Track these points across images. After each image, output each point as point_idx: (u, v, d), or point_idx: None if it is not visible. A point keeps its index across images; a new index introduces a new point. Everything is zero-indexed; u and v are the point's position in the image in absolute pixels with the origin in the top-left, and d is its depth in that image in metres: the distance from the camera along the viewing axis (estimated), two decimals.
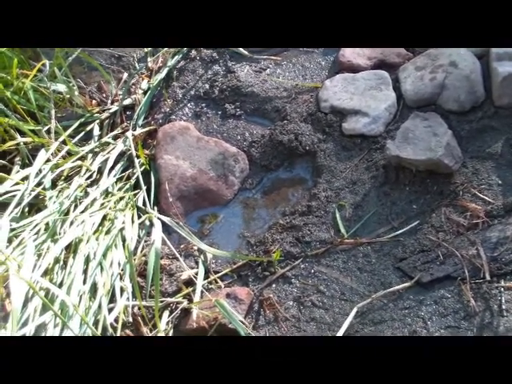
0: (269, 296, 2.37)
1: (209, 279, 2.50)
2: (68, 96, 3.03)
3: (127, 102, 3.16)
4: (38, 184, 2.61)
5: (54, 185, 2.69)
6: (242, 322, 2.25)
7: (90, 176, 2.78)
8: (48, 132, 2.85)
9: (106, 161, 2.83)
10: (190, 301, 2.40)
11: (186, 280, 2.46)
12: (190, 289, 2.43)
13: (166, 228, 2.55)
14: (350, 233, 2.49)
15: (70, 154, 2.85)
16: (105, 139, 2.96)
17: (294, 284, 2.42)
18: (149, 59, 3.33)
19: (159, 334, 2.25)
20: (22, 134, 2.80)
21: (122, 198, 2.69)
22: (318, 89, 3.00)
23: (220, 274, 2.52)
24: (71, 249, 2.39)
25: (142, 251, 2.53)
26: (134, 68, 3.32)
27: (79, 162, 2.80)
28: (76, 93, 3.04)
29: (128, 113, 3.17)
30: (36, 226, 2.42)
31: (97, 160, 2.84)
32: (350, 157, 2.74)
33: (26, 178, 2.60)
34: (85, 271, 2.32)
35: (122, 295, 2.32)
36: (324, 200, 2.61)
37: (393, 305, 2.25)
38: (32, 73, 2.86)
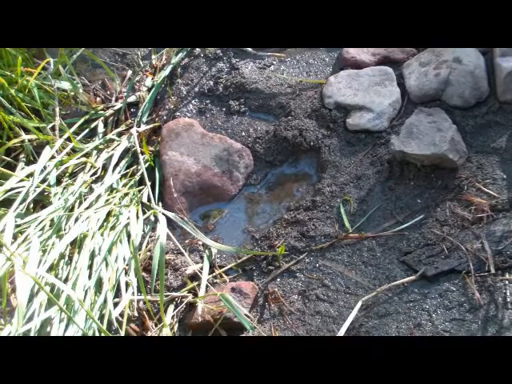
0: (274, 290, 2.38)
1: (214, 274, 2.51)
2: (72, 93, 3.04)
3: (131, 99, 3.16)
4: (43, 181, 2.61)
5: (58, 181, 2.70)
6: (247, 315, 2.26)
7: (95, 172, 2.78)
8: (52, 129, 2.86)
9: (110, 157, 2.83)
10: (195, 295, 2.41)
11: (190, 275, 2.47)
12: (195, 283, 2.44)
13: (170, 223, 2.55)
14: (355, 227, 2.49)
15: (74, 150, 2.86)
16: (109, 136, 2.96)
17: (299, 278, 2.42)
18: (153, 57, 3.32)
19: (164, 329, 2.25)
20: (27, 131, 2.80)
21: (126, 194, 2.69)
22: (323, 85, 3.00)
23: (225, 269, 2.53)
24: (76, 244, 2.40)
25: (146, 246, 2.54)
26: (138, 65, 3.32)
27: (84, 159, 2.80)
28: (80, 90, 3.04)
29: (132, 110, 3.17)
30: (41, 222, 2.43)
31: (101, 157, 2.84)
32: (355, 152, 2.74)
33: (30, 175, 2.60)
34: (90, 266, 2.32)
35: (127, 290, 2.33)
36: (329, 195, 2.61)
37: (398, 298, 2.25)
38: (36, 71, 2.87)
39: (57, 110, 2.89)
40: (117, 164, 2.83)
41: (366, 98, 2.84)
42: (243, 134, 2.95)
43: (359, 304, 2.24)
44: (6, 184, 2.51)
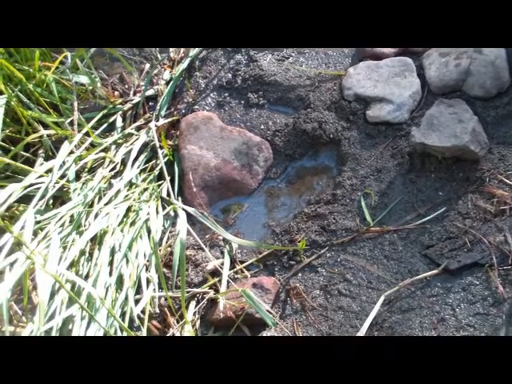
0: (295, 285, 2.37)
1: (234, 269, 2.50)
2: (90, 88, 3.03)
3: (150, 92, 3.15)
4: (62, 176, 2.61)
5: (77, 177, 2.69)
6: (268, 311, 2.26)
7: (114, 167, 2.78)
8: (71, 124, 2.85)
9: (129, 152, 2.82)
10: (217, 291, 2.40)
11: (211, 270, 2.46)
12: (216, 279, 2.44)
13: (190, 218, 2.54)
14: (376, 221, 2.47)
15: (93, 145, 2.85)
16: (128, 130, 2.95)
17: (321, 273, 2.41)
18: (171, 50, 3.31)
19: (186, 325, 2.25)
20: (45, 126, 2.80)
21: (146, 189, 2.68)
22: (342, 77, 2.97)
23: (246, 264, 2.52)
24: (96, 241, 2.40)
25: (167, 242, 2.54)
26: (156, 59, 3.31)
27: (102, 154, 2.80)
28: (98, 84, 3.03)
29: (151, 104, 3.16)
30: (61, 218, 2.43)
31: (120, 151, 2.84)
32: (375, 144, 2.72)
33: (49, 171, 2.60)
34: (110, 263, 2.32)
35: (148, 286, 2.33)
36: (349, 188, 2.60)
37: (420, 292, 2.23)
38: (54, 65, 2.87)
39: (75, 104, 2.89)
40: (136, 159, 2.82)
41: (385, 89, 2.82)
42: (262, 127, 2.93)
43: (382, 299, 2.23)
44: (25, 180, 2.50)
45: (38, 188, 2.50)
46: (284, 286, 2.40)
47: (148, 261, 2.41)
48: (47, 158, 2.76)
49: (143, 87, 3.16)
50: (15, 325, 2.23)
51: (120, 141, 2.92)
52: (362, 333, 2.14)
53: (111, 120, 3.01)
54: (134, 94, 3.18)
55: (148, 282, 2.34)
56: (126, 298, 2.23)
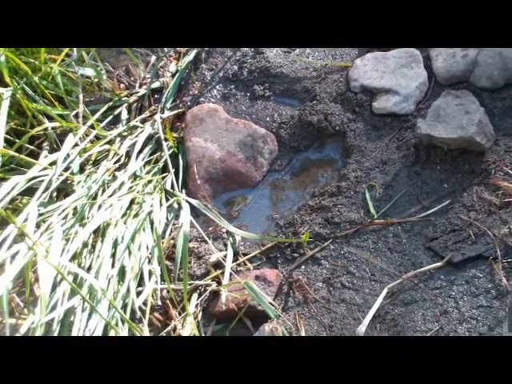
0: (298, 278, 2.36)
1: (237, 261, 2.50)
2: (96, 80, 3.04)
3: (155, 85, 3.15)
4: (66, 169, 2.61)
5: (81, 169, 2.69)
6: (271, 303, 2.25)
7: (118, 160, 2.77)
8: (76, 116, 2.85)
9: (134, 144, 2.82)
10: (219, 283, 2.40)
11: (214, 262, 2.46)
12: (219, 271, 2.43)
13: (194, 211, 2.53)
14: (380, 213, 2.46)
15: (97, 138, 2.85)
16: (133, 123, 2.95)
17: (324, 265, 2.40)
18: None
19: (188, 317, 2.25)
20: (50, 118, 2.80)
21: (150, 182, 2.68)
22: (348, 68, 2.96)
23: (249, 256, 2.52)
24: (99, 233, 2.40)
25: (170, 234, 2.54)
26: (162, 51, 3.30)
27: (107, 146, 2.80)
28: (104, 77, 3.03)
29: (156, 96, 3.16)
30: (64, 210, 2.43)
31: (125, 144, 2.83)
32: (381, 136, 2.70)
33: (53, 163, 2.60)
34: (113, 255, 2.33)
35: (150, 278, 2.33)
36: (354, 180, 2.59)
37: (424, 285, 2.22)
38: (60, 57, 2.86)
39: (80, 96, 2.89)
40: (140, 151, 2.82)
41: (392, 80, 2.80)
42: (268, 119, 2.92)
43: (385, 291, 2.22)
44: (29, 172, 2.50)
45: (42, 180, 2.50)
46: (287, 279, 2.40)
47: (151, 253, 2.41)
48: (52, 151, 2.77)
49: (149, 79, 3.15)
50: (17, 317, 2.23)
51: (125, 133, 2.92)
52: (364, 325, 2.14)
53: (116, 112, 3.00)
54: (140, 86, 3.18)
55: (150, 274, 2.34)
56: (128, 290, 2.23)
